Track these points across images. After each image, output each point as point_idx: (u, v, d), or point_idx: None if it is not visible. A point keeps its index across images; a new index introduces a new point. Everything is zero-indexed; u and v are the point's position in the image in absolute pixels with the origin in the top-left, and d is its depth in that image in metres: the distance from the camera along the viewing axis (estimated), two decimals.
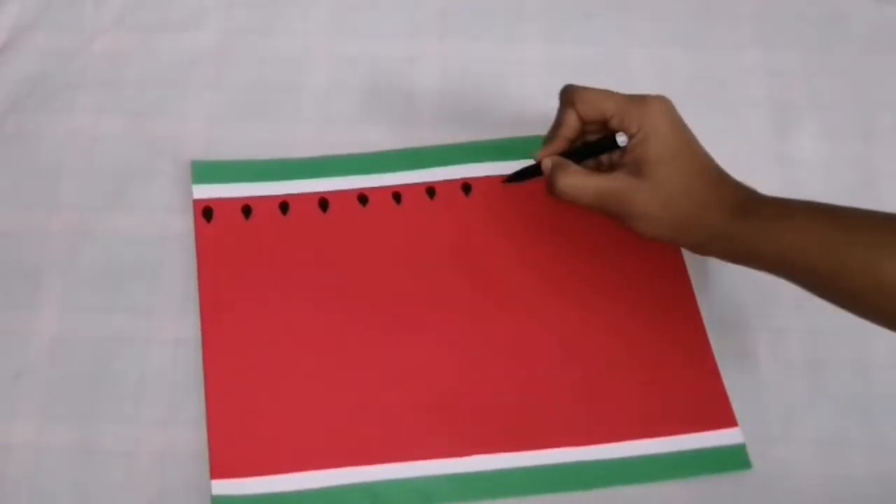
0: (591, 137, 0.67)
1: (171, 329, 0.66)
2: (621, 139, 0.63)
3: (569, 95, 0.66)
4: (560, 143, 0.66)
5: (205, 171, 0.71)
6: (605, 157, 0.67)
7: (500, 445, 0.63)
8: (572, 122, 0.66)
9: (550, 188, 0.65)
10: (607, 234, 0.69)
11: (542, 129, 0.73)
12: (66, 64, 0.75)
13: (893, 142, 0.73)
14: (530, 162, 0.69)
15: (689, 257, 0.69)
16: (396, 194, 0.70)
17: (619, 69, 0.76)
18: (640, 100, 0.63)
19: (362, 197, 0.70)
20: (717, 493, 0.62)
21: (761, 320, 0.67)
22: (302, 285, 0.67)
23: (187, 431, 0.63)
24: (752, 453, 0.63)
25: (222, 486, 0.61)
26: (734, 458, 0.63)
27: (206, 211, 0.69)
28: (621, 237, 0.69)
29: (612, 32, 0.78)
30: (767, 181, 0.72)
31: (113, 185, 0.71)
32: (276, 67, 0.76)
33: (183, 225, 0.69)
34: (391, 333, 0.66)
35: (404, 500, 0.62)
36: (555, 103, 0.74)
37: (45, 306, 0.67)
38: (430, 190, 0.71)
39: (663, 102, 0.64)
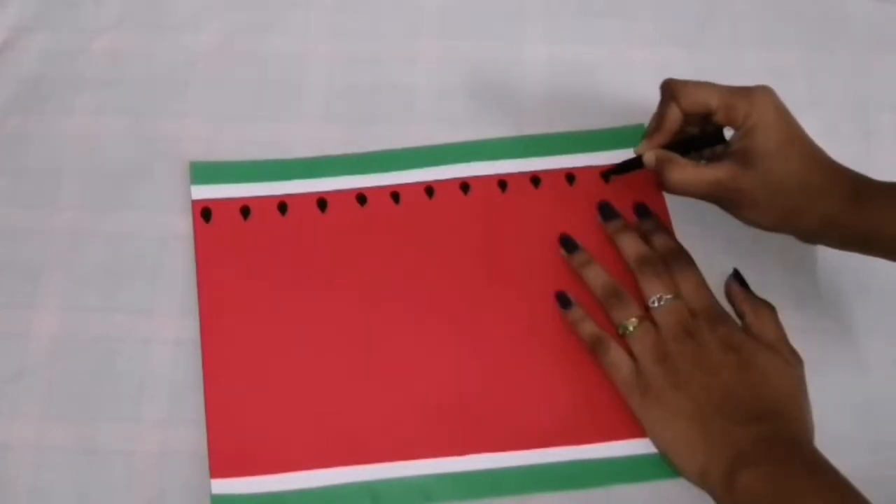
0: (691, 130, 0.68)
1: (171, 329, 0.66)
2: (728, 133, 0.64)
3: (670, 89, 0.66)
4: (663, 137, 0.67)
5: (203, 171, 0.71)
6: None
7: (499, 444, 0.63)
8: (675, 116, 0.66)
9: (661, 182, 0.66)
10: (605, 233, 0.69)
11: (542, 129, 0.73)
12: (66, 64, 0.75)
13: (893, 142, 0.73)
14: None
15: None
16: (395, 194, 0.70)
17: (620, 69, 0.76)
18: (745, 91, 0.64)
19: (361, 197, 0.70)
20: None
21: None
22: (301, 285, 0.67)
23: (187, 431, 0.64)
24: None
25: (222, 486, 0.62)
26: None
27: (204, 211, 0.69)
28: None
29: (612, 32, 0.78)
30: None
31: (113, 185, 0.71)
32: (276, 67, 0.76)
33: (183, 225, 0.69)
34: (390, 333, 0.66)
35: (404, 499, 0.62)
36: (554, 103, 0.75)
37: (45, 306, 0.67)
38: (429, 189, 0.71)
39: (768, 93, 0.64)
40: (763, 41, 0.78)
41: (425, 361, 0.65)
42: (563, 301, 0.66)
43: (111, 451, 0.63)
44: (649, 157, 0.67)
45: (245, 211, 0.69)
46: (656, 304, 0.64)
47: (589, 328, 0.65)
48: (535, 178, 0.71)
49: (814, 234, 0.65)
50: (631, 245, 0.67)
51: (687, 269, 0.65)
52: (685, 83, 0.66)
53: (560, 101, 0.75)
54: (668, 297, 0.64)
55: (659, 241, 0.67)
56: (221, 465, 0.62)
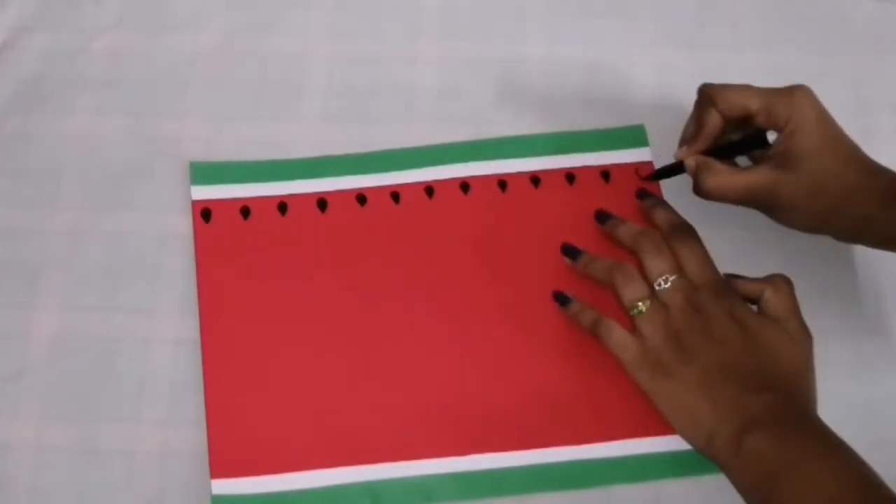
0: (729, 133, 0.67)
1: (171, 329, 0.66)
2: (771, 137, 0.63)
3: (708, 94, 0.65)
4: (704, 142, 0.66)
5: (203, 172, 0.71)
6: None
7: (499, 444, 0.63)
8: (715, 121, 0.65)
9: (697, 188, 0.66)
10: (605, 233, 0.69)
11: (542, 129, 0.73)
12: (66, 64, 0.75)
13: (893, 142, 0.73)
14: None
15: None
16: (395, 194, 0.70)
17: (620, 69, 0.76)
18: (785, 93, 0.63)
19: (361, 197, 0.70)
20: (718, 492, 0.62)
21: None
22: (301, 285, 0.67)
23: (187, 431, 0.64)
24: None
25: (222, 486, 0.62)
26: None
27: (204, 212, 0.69)
28: None
29: (612, 32, 0.78)
30: None
31: (113, 185, 0.71)
32: (276, 67, 0.76)
33: (183, 225, 0.69)
34: (390, 333, 0.66)
35: (404, 499, 0.62)
36: (554, 103, 0.74)
37: (45, 306, 0.67)
38: (429, 189, 0.71)
39: (808, 93, 0.64)
40: (763, 41, 0.77)
41: (425, 361, 0.65)
42: (561, 299, 0.66)
43: (111, 451, 0.63)
44: (690, 163, 0.66)
45: (245, 211, 0.69)
46: (661, 287, 0.63)
47: (589, 315, 0.65)
48: (535, 178, 0.71)
49: (850, 235, 0.65)
50: (628, 230, 0.67)
51: (689, 242, 0.65)
52: (723, 87, 0.65)
53: (560, 101, 0.75)
54: (673, 277, 0.63)
55: (660, 215, 0.67)
56: (222, 465, 0.62)
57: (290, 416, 0.64)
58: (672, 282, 0.63)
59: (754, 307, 0.64)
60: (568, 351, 0.66)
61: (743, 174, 0.64)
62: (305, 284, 0.67)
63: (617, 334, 0.63)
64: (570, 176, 0.71)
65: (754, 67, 0.76)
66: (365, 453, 0.63)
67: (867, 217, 0.63)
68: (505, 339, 0.66)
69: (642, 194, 0.70)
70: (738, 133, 0.67)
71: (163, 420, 0.64)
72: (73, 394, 0.65)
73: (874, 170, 0.64)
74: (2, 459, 0.63)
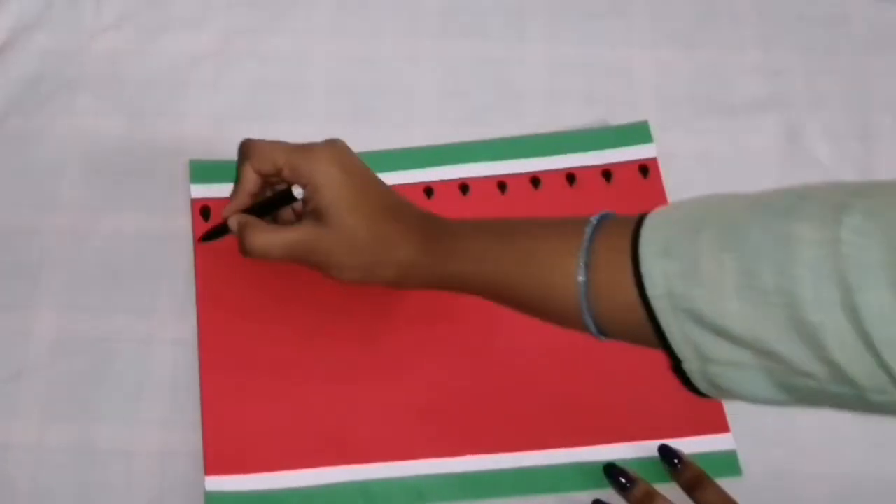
0: (275, 189, 0.64)
1: (171, 329, 0.67)
2: (297, 191, 0.60)
3: (244, 149, 0.62)
4: (242, 199, 0.62)
5: (202, 170, 0.71)
6: (298, 206, 0.63)
7: (493, 446, 0.64)
8: (250, 176, 0.62)
9: (242, 248, 0.61)
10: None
11: (542, 129, 0.73)
12: (66, 64, 0.75)
13: (893, 142, 0.73)
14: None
15: None
16: None
17: (620, 69, 0.76)
18: (306, 149, 0.61)
19: None
20: None
21: None
22: (298, 285, 0.67)
23: (186, 431, 0.64)
24: (748, 455, 0.63)
25: (216, 483, 0.62)
26: (724, 464, 0.63)
27: (203, 210, 0.69)
28: None
29: (612, 33, 0.78)
30: (767, 181, 0.72)
31: (113, 185, 0.71)
32: (276, 67, 0.76)
33: (182, 225, 0.69)
34: (386, 333, 0.66)
35: (397, 499, 0.62)
36: (554, 103, 0.74)
37: (45, 306, 0.67)
38: (428, 189, 0.71)
39: (332, 148, 0.61)
40: (763, 41, 0.77)
41: (421, 362, 0.66)
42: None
43: (111, 451, 0.63)
44: (232, 223, 0.62)
45: None
46: None
47: None
48: (534, 179, 0.71)
49: (398, 284, 0.62)
50: None
51: None
52: (256, 143, 0.62)
53: (560, 101, 0.75)
54: None
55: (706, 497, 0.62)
56: (216, 462, 0.62)
57: (286, 415, 0.64)
58: None
59: None
60: (564, 353, 0.66)
61: (282, 231, 0.61)
62: (303, 284, 0.67)
63: None
64: (570, 176, 0.71)
65: (754, 67, 0.76)
66: (359, 453, 0.63)
67: (405, 264, 0.60)
68: (500, 340, 0.66)
69: (665, 452, 0.64)
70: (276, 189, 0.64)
71: (162, 420, 0.64)
72: (73, 394, 0.65)
73: (406, 216, 0.61)
74: (2, 459, 0.63)
